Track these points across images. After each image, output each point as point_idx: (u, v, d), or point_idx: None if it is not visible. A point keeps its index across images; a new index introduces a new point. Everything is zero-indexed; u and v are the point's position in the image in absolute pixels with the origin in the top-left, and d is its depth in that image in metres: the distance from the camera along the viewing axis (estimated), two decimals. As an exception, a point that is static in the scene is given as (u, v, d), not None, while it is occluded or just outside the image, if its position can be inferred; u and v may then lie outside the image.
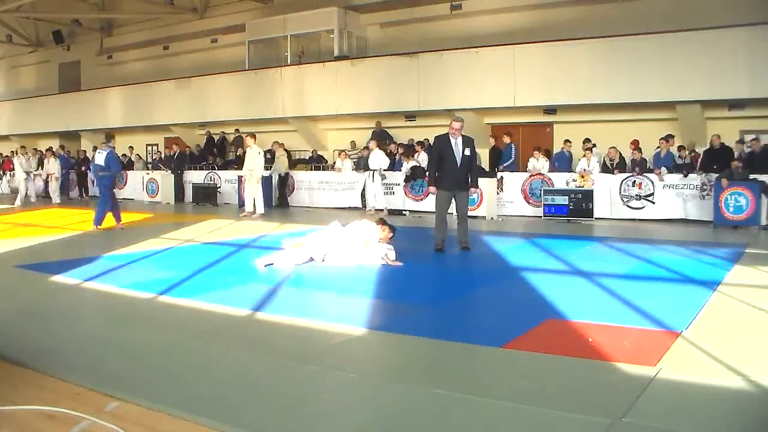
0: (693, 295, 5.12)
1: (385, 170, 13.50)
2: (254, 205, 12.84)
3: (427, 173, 9.09)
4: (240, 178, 14.50)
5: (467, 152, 7.59)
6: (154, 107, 19.51)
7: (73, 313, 4.78)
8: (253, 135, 13.10)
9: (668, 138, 12.01)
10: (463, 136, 7.64)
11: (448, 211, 7.79)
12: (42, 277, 6.04)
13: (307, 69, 16.84)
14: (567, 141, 13.26)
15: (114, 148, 11.02)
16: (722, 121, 12.47)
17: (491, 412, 2.84)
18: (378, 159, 13.48)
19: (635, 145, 12.27)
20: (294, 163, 16.80)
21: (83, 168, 18.84)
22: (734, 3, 12.07)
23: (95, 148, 15.04)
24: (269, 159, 15.26)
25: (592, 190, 11.59)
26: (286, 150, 15.78)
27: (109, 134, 11.65)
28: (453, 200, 7.73)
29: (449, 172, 7.60)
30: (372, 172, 13.42)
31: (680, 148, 11.92)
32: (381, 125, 15.95)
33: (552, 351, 3.69)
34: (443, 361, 3.66)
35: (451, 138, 7.58)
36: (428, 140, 14.87)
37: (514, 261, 7.02)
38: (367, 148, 14.93)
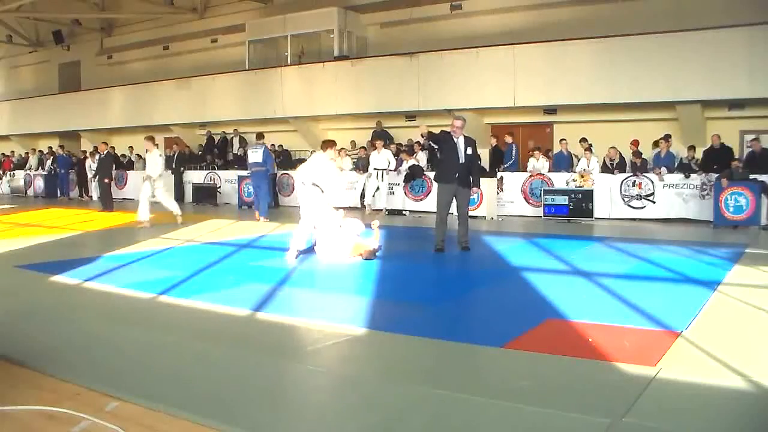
0: (693, 295, 5.12)
1: (391, 170, 13.48)
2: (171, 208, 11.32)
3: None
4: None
5: (469, 151, 7.63)
6: (154, 107, 19.49)
7: (73, 313, 4.78)
8: (151, 138, 11.42)
9: (668, 138, 12.01)
10: (465, 136, 7.69)
11: (449, 212, 7.79)
12: (42, 277, 6.04)
13: (307, 69, 16.82)
14: (563, 140, 13.24)
15: (266, 145, 12.50)
16: (722, 121, 12.46)
17: (491, 412, 2.84)
18: (382, 159, 13.41)
19: (636, 144, 12.27)
20: (294, 163, 16.79)
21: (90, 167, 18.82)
22: (734, 3, 12.05)
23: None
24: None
25: (592, 190, 11.59)
26: (275, 150, 15.75)
27: (260, 134, 12.80)
28: (454, 200, 7.73)
29: (452, 168, 7.62)
30: (377, 171, 13.38)
31: (690, 148, 11.89)
32: (381, 125, 15.94)
33: (552, 351, 3.69)
34: (443, 361, 3.66)
35: (453, 136, 7.61)
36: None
37: (514, 261, 7.02)
38: (364, 148, 14.95)
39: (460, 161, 7.58)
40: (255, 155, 12.19)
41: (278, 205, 15.02)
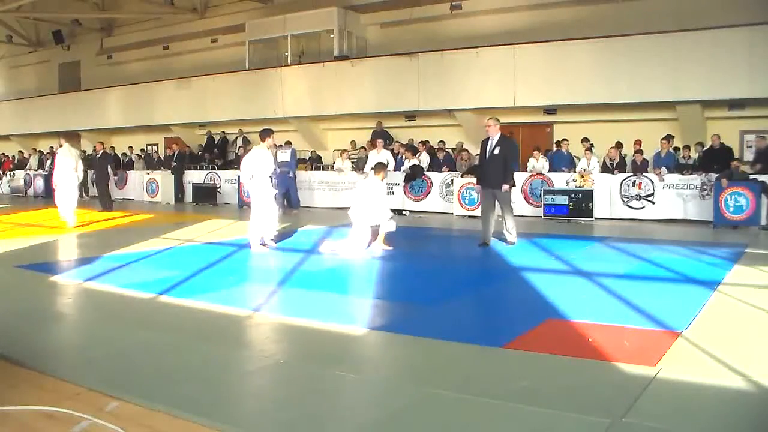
0: (693, 295, 5.12)
1: (390, 171, 13.46)
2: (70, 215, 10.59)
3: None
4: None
5: (496, 151, 7.91)
6: (154, 107, 19.49)
7: (73, 313, 4.78)
8: (65, 137, 11.23)
9: (668, 138, 12.01)
10: (502, 135, 8.06)
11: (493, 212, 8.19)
12: (42, 277, 6.05)
13: (307, 69, 16.82)
14: (564, 140, 13.23)
15: (293, 148, 14.38)
16: (722, 121, 12.46)
17: (491, 412, 2.84)
18: (381, 159, 13.34)
19: (638, 144, 12.24)
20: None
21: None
22: (734, 3, 12.05)
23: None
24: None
25: (592, 190, 11.57)
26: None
27: (287, 141, 14.61)
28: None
29: (482, 169, 8.22)
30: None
31: (685, 147, 11.90)
32: (382, 125, 15.94)
33: (552, 351, 3.69)
34: (443, 361, 3.66)
35: (489, 138, 8.05)
36: (428, 141, 14.92)
37: (514, 261, 7.02)
38: (364, 148, 14.93)
39: (485, 160, 8.04)
40: (284, 155, 13.69)
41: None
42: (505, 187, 7.97)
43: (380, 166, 8.09)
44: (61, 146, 11.03)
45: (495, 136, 7.98)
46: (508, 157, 7.99)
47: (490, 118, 8.17)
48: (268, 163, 8.01)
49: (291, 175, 14.01)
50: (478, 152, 12.06)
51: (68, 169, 10.70)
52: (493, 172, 7.95)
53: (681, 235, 9.37)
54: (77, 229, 10.30)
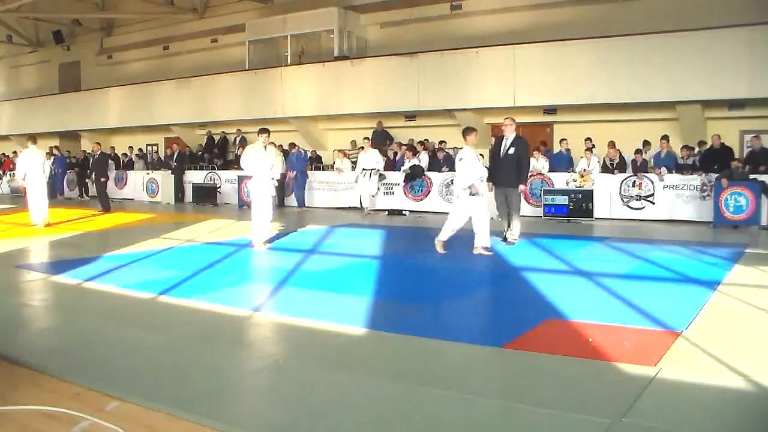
0: (693, 295, 5.12)
1: (384, 170, 13.46)
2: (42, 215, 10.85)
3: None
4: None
5: (511, 151, 7.94)
6: (154, 107, 19.49)
7: (73, 313, 4.78)
8: (32, 137, 11.34)
9: (666, 138, 12.01)
10: (517, 135, 8.10)
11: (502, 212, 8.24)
12: (42, 277, 6.05)
13: (307, 69, 16.82)
14: (563, 140, 13.22)
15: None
16: (722, 121, 12.45)
17: (491, 412, 2.84)
18: (370, 159, 13.37)
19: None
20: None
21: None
22: (734, 3, 12.05)
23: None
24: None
25: (592, 190, 11.58)
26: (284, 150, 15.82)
27: (293, 144, 15.27)
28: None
29: (495, 168, 8.18)
30: (365, 172, 13.33)
31: (684, 148, 11.90)
32: (382, 125, 15.94)
33: (552, 351, 3.69)
34: (443, 361, 3.66)
35: (504, 137, 8.08)
36: (428, 140, 14.92)
37: (514, 261, 7.02)
38: (362, 148, 14.94)
39: (500, 160, 8.04)
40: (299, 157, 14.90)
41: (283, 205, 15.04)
42: (521, 187, 8.04)
43: (469, 130, 7.63)
44: (27, 147, 11.09)
45: (510, 135, 8.02)
46: (521, 157, 8.03)
47: (506, 118, 8.20)
48: (267, 159, 8.06)
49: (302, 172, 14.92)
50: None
51: (35, 169, 10.83)
52: (505, 171, 7.97)
53: (681, 235, 9.38)
54: (73, 230, 10.30)
